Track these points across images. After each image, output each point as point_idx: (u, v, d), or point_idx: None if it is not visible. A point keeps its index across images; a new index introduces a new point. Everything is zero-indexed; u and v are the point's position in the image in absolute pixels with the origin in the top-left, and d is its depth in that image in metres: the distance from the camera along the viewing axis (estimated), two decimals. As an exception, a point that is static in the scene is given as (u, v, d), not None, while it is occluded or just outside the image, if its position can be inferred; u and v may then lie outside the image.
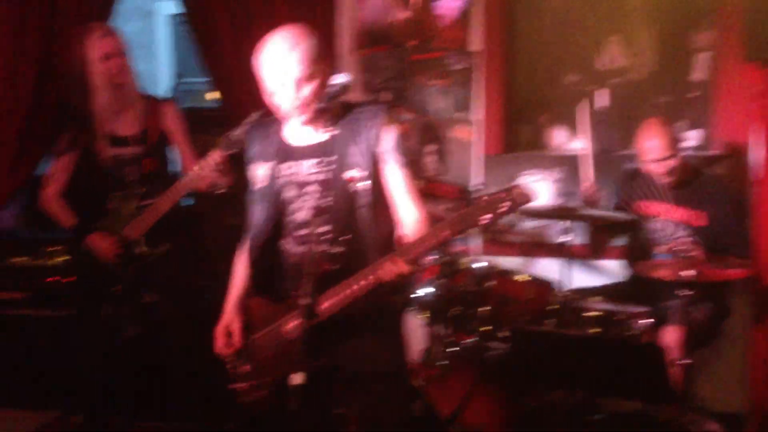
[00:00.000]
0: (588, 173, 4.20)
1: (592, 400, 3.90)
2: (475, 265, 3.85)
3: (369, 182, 2.73)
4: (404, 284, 2.68)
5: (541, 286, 3.86)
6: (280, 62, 2.68)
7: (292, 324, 2.77)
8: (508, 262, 4.36)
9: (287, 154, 2.85)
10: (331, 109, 2.71)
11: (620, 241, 4.39)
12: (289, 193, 2.82)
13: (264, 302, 2.92)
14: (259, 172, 2.89)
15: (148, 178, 4.00)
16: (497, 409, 3.81)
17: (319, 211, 2.68)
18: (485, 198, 2.45)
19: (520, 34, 4.85)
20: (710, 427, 3.85)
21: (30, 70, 4.43)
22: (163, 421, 4.41)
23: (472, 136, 4.73)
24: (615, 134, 4.76)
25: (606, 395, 3.86)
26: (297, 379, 2.41)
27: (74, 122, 3.97)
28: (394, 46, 4.77)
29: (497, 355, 3.99)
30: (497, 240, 4.74)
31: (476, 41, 4.68)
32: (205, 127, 4.02)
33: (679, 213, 4.10)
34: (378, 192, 2.76)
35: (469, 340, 4.04)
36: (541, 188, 4.62)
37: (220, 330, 2.97)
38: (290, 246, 2.83)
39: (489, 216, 2.44)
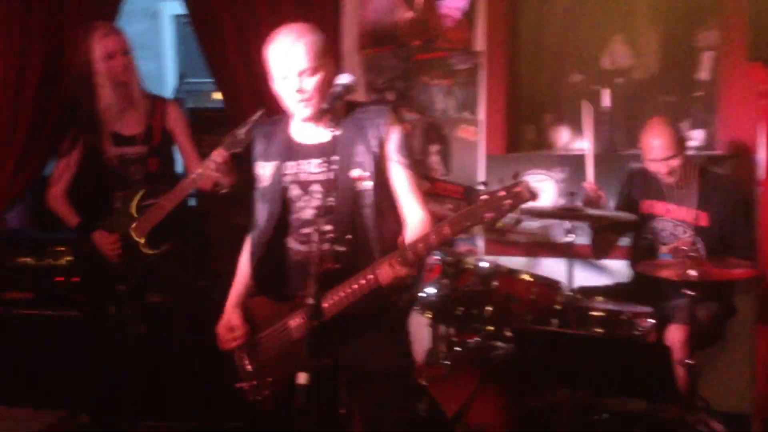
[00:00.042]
0: (590, 173, 4.20)
1: (596, 399, 3.91)
2: (479, 265, 3.85)
3: (372, 182, 2.74)
4: (407, 285, 2.67)
5: (546, 285, 3.86)
6: (286, 54, 2.71)
7: (296, 323, 2.78)
8: (512, 261, 4.36)
9: (292, 153, 2.86)
10: (335, 108, 2.72)
11: (624, 241, 4.39)
12: (294, 191, 2.84)
13: (267, 302, 2.93)
14: (264, 171, 2.90)
15: (152, 178, 4.01)
16: (502, 408, 3.81)
17: (322, 211, 2.69)
18: (488, 195, 2.45)
19: (524, 33, 4.85)
20: (715, 427, 3.85)
21: (36, 71, 4.45)
22: (168, 421, 4.42)
23: (476, 135, 4.73)
24: (619, 134, 4.76)
25: (610, 395, 3.86)
26: (302, 378, 2.41)
27: (79, 121, 3.98)
28: (398, 46, 4.78)
29: (502, 354, 3.99)
30: (501, 240, 4.74)
31: (480, 41, 4.67)
32: (210, 127, 4.03)
33: (683, 213, 4.10)
34: (382, 192, 2.77)
35: (473, 340, 4.05)
36: (545, 188, 4.62)
37: (222, 326, 2.98)
38: (294, 244, 2.84)
39: (492, 213, 2.44)
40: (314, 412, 2.64)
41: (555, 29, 4.84)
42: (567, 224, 3.92)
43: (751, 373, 4.24)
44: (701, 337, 3.83)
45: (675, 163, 3.98)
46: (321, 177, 2.78)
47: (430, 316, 3.94)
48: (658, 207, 4.16)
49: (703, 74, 4.62)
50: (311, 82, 2.71)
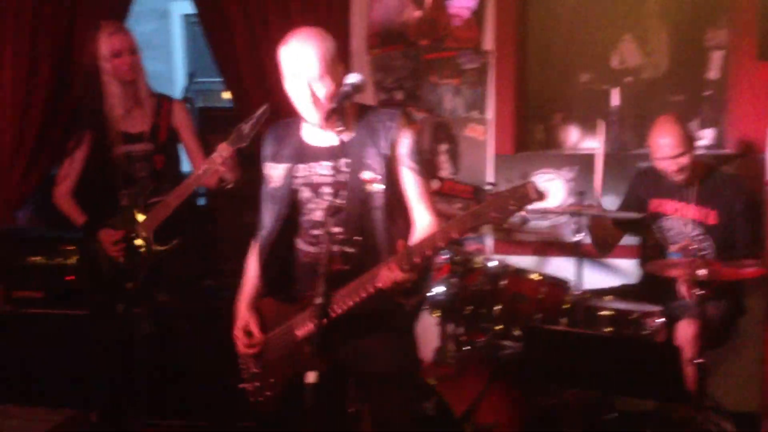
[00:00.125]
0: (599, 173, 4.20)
1: (605, 399, 3.91)
2: (488, 264, 3.85)
3: (383, 185, 2.75)
4: (407, 288, 2.67)
5: (555, 285, 3.86)
6: (297, 59, 2.71)
7: (302, 323, 2.79)
8: (521, 261, 4.36)
9: (304, 155, 2.86)
10: (344, 109, 2.72)
11: (632, 241, 4.38)
12: (304, 194, 2.84)
13: (274, 303, 2.93)
14: (274, 172, 2.91)
15: (158, 175, 4.03)
16: (510, 407, 3.81)
17: (331, 210, 2.69)
18: (495, 196, 2.45)
19: (532, 32, 4.84)
20: (725, 427, 3.84)
21: (46, 71, 4.48)
22: (177, 420, 4.43)
23: (485, 135, 4.73)
24: (628, 133, 4.76)
25: (620, 394, 3.86)
26: (311, 377, 2.42)
27: (86, 119, 4.00)
28: (407, 45, 4.78)
29: (510, 353, 3.99)
30: (510, 239, 4.74)
31: (489, 40, 4.67)
32: (220, 127, 4.04)
33: (692, 211, 4.09)
34: (392, 195, 2.77)
35: (482, 339, 4.05)
36: (554, 187, 4.61)
37: (239, 331, 2.98)
38: (303, 246, 2.85)
39: (498, 214, 2.44)
40: (323, 411, 2.64)
41: (564, 28, 4.84)
42: (575, 223, 3.91)
43: (761, 373, 4.23)
44: (711, 336, 3.82)
45: (684, 161, 3.97)
46: (332, 180, 2.78)
47: (438, 315, 3.94)
48: (667, 206, 4.15)
49: (713, 73, 4.62)
50: (322, 89, 2.72)
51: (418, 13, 4.74)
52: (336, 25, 4.48)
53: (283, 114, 3.02)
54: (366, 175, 2.74)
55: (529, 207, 2.43)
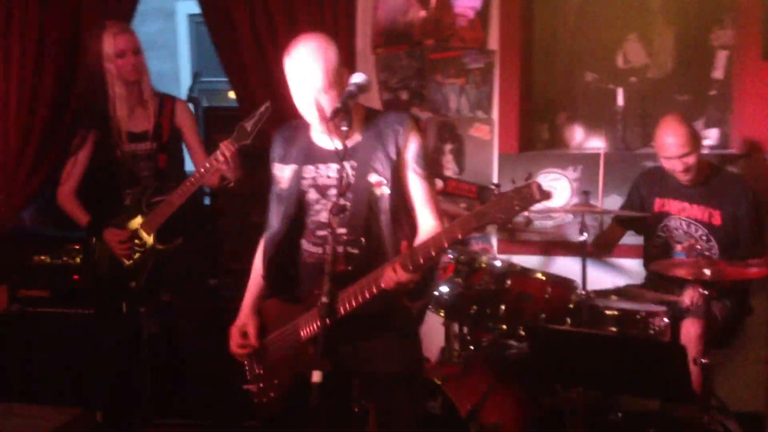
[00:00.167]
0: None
1: (610, 399, 3.90)
2: (493, 264, 3.85)
3: (388, 188, 2.75)
4: (418, 288, 2.67)
5: (560, 284, 3.86)
6: (302, 71, 2.72)
7: (306, 324, 2.79)
8: (526, 260, 4.36)
9: (312, 157, 2.87)
10: (348, 108, 2.72)
11: (637, 240, 4.38)
12: (311, 195, 2.85)
13: (278, 303, 2.94)
14: (283, 174, 2.91)
15: (161, 174, 4.05)
16: (515, 407, 3.81)
17: (335, 209, 2.70)
18: (500, 196, 2.45)
19: (537, 32, 4.85)
20: (730, 427, 3.84)
21: (52, 71, 4.49)
22: (182, 419, 4.44)
23: (490, 134, 4.73)
24: (633, 133, 4.75)
25: (624, 394, 3.86)
26: (316, 377, 2.42)
27: (90, 119, 4.01)
28: (412, 45, 4.78)
29: (515, 353, 4.00)
30: (515, 238, 4.74)
31: (494, 40, 4.67)
32: (225, 126, 4.05)
33: (697, 211, 4.09)
34: (398, 198, 2.78)
35: (487, 339, 4.05)
36: (559, 187, 4.61)
37: (234, 330, 2.99)
38: (308, 246, 2.85)
39: (502, 215, 2.44)
40: (328, 410, 2.65)
41: (569, 28, 4.84)
42: (580, 223, 3.91)
43: (766, 373, 4.24)
44: (716, 336, 3.81)
45: (690, 160, 3.96)
46: (338, 182, 2.78)
47: (443, 314, 3.94)
48: (672, 205, 4.15)
49: (718, 73, 4.61)
50: (327, 100, 2.72)
51: (423, 13, 4.74)
52: (341, 24, 4.48)
53: (289, 113, 3.02)
54: (373, 178, 2.75)
55: (534, 207, 2.43)
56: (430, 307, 3.88)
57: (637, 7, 4.73)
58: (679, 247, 4.12)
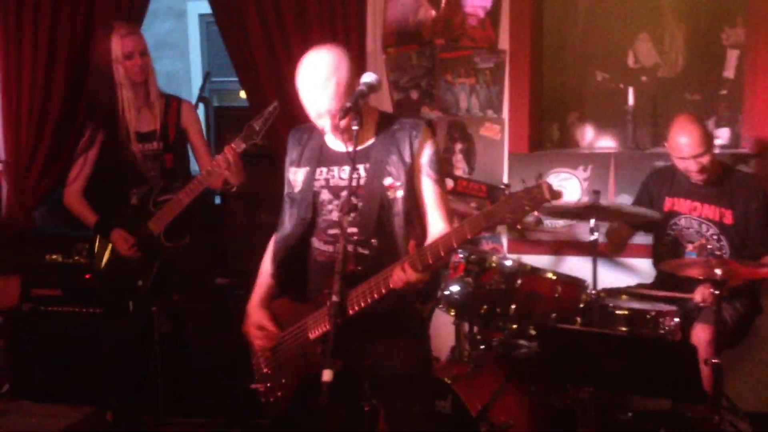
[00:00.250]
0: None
1: (621, 398, 3.90)
2: (503, 263, 3.85)
3: (403, 192, 2.76)
4: (424, 289, 2.68)
5: (570, 284, 3.86)
6: (318, 93, 2.73)
7: (316, 323, 2.80)
8: (536, 260, 4.36)
9: (325, 159, 2.89)
10: (359, 108, 2.72)
11: (648, 240, 4.37)
12: (324, 196, 2.86)
13: (288, 303, 2.95)
14: (297, 177, 2.93)
15: (168, 174, 4.06)
16: (526, 406, 3.81)
17: (349, 208, 2.71)
18: (510, 196, 2.46)
19: (548, 31, 4.84)
20: (741, 427, 3.83)
21: (63, 72, 4.52)
22: (192, 418, 4.46)
23: (500, 134, 4.73)
24: (644, 132, 4.75)
25: (635, 394, 3.85)
26: (326, 375, 2.42)
27: (98, 119, 4.03)
28: (422, 44, 4.78)
29: (526, 352, 4.00)
30: (525, 238, 4.74)
31: (504, 39, 4.67)
32: (236, 126, 4.06)
33: (709, 211, 4.08)
34: (411, 202, 2.80)
35: (497, 338, 4.05)
36: (569, 186, 4.61)
37: (251, 328, 2.99)
38: (319, 244, 2.86)
39: (512, 215, 2.44)
40: (338, 409, 2.65)
41: (579, 27, 4.83)
42: (591, 222, 3.91)
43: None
44: (727, 336, 3.81)
45: (705, 160, 3.95)
46: (352, 183, 2.79)
47: (454, 314, 3.94)
48: (683, 205, 4.14)
49: (729, 72, 4.60)
50: (340, 115, 2.72)
51: (433, 13, 4.74)
52: (351, 24, 4.49)
53: (299, 112, 3.03)
54: (387, 181, 2.77)
55: (547, 206, 2.43)
56: (440, 306, 3.89)
57: (648, 6, 4.72)
58: (690, 247, 4.11)
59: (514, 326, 3.83)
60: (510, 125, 4.70)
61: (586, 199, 4.44)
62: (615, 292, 4.06)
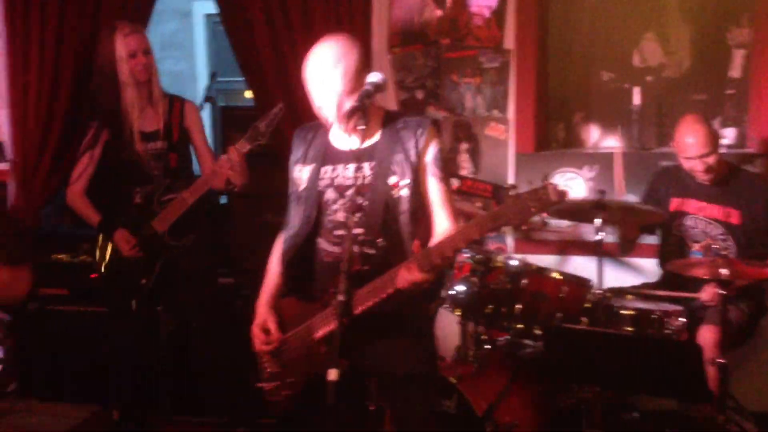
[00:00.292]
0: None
1: (626, 398, 3.90)
2: (509, 263, 3.86)
3: (408, 190, 2.76)
4: (427, 288, 2.68)
5: (576, 283, 3.85)
6: (324, 77, 2.75)
7: (323, 322, 2.80)
8: (541, 260, 4.35)
9: (330, 157, 2.89)
10: (365, 107, 2.73)
11: (654, 240, 4.37)
12: (330, 195, 2.86)
13: (295, 302, 2.95)
14: (302, 175, 2.93)
15: (172, 173, 4.07)
16: (531, 406, 3.81)
17: (352, 208, 2.71)
18: (516, 197, 2.46)
19: (553, 31, 4.84)
20: (746, 427, 3.83)
21: (70, 71, 4.53)
22: (198, 417, 4.46)
23: (506, 134, 4.73)
24: (650, 132, 4.74)
25: (641, 394, 3.85)
26: (332, 375, 2.43)
27: (101, 118, 4.04)
28: (428, 44, 4.78)
29: (531, 352, 3.99)
30: (531, 238, 4.74)
31: (510, 39, 4.67)
32: (242, 126, 4.07)
33: (715, 210, 4.07)
34: (417, 200, 2.80)
35: (503, 338, 4.05)
36: (575, 186, 4.61)
37: (256, 328, 2.99)
38: (325, 245, 2.86)
39: (520, 215, 2.44)
40: (344, 409, 2.65)
41: (585, 27, 4.83)
42: (596, 222, 3.91)
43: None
44: (733, 336, 3.81)
45: (711, 160, 3.95)
46: (357, 182, 2.80)
47: (459, 313, 3.94)
48: (689, 205, 4.14)
49: (735, 72, 4.59)
50: (348, 101, 2.74)
51: (438, 12, 4.75)
52: (357, 24, 4.49)
53: (305, 112, 3.04)
54: (392, 179, 2.77)
55: (552, 207, 2.43)
56: (446, 306, 3.89)
57: (654, 5, 4.72)
58: (696, 247, 4.11)
59: (520, 326, 3.82)
60: (516, 125, 4.70)
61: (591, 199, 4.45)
62: (620, 292, 4.06)
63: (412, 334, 2.85)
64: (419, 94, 4.83)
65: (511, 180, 4.61)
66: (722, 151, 4.21)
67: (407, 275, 2.57)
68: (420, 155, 2.79)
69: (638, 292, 4.08)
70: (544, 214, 3.12)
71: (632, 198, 4.42)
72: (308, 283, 2.90)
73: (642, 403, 3.97)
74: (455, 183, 4.71)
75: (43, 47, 4.51)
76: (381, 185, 2.77)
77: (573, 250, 4.66)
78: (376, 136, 2.83)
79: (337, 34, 2.86)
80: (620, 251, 4.37)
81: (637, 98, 4.74)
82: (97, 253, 4.13)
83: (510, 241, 4.77)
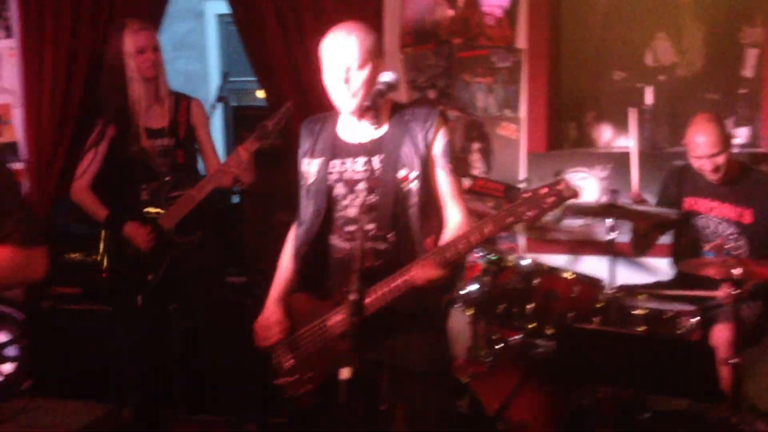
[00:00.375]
0: (634, 178, 4.19)
1: (639, 398, 3.89)
2: (520, 263, 3.85)
3: (417, 183, 2.76)
4: (441, 286, 2.68)
5: (588, 283, 3.85)
6: (336, 45, 2.75)
7: (336, 319, 2.81)
8: (553, 259, 4.35)
9: (339, 150, 2.88)
10: (378, 107, 2.74)
11: (667, 239, 4.36)
12: (339, 190, 2.86)
13: (307, 298, 2.95)
14: (311, 168, 2.93)
15: (180, 169, 4.08)
16: (543, 406, 3.81)
17: (366, 208, 2.72)
18: (530, 193, 2.46)
19: (566, 30, 4.83)
20: (759, 427, 3.82)
21: (84, 71, 4.55)
22: (210, 415, 4.47)
23: (517, 133, 4.73)
24: (663, 131, 4.73)
25: (653, 394, 3.84)
26: (345, 373, 2.43)
27: (108, 114, 4.05)
28: (440, 43, 4.78)
29: (543, 352, 3.99)
30: (543, 237, 4.73)
31: (522, 38, 4.67)
32: (254, 125, 4.09)
33: (727, 210, 4.06)
34: (426, 193, 2.79)
35: (515, 337, 4.05)
36: (587, 186, 4.60)
37: (259, 323, 3.00)
38: (337, 242, 2.87)
39: (534, 211, 2.44)
40: (357, 407, 2.66)
41: (597, 26, 4.82)
42: (609, 222, 3.90)
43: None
44: (746, 336, 3.80)
45: (719, 160, 3.95)
46: (366, 176, 2.80)
47: (471, 313, 3.94)
48: (701, 204, 4.13)
49: (748, 71, 4.58)
50: (359, 76, 2.74)
51: (450, 12, 4.75)
52: (369, 23, 4.47)
53: (316, 111, 3.05)
54: (402, 172, 2.76)
55: (566, 205, 2.43)
56: (458, 305, 3.89)
57: (666, 5, 4.70)
58: (707, 246, 4.10)
59: (532, 326, 3.82)
60: (528, 124, 4.70)
61: (604, 199, 4.44)
62: (632, 291, 4.05)
63: (425, 329, 2.85)
64: (431, 94, 4.83)
65: (522, 180, 4.61)
66: (735, 150, 4.20)
67: (424, 272, 2.57)
68: (429, 147, 2.78)
69: (651, 291, 4.08)
70: (558, 212, 3.11)
71: (648, 197, 4.41)
72: (321, 279, 2.91)
73: (654, 404, 3.96)
74: (467, 182, 4.71)
75: (57, 48, 4.54)
76: (390, 178, 2.76)
77: (585, 250, 4.65)
78: (384, 128, 2.83)
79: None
80: (635, 251, 4.36)
81: (649, 98, 4.73)
82: (101, 249, 4.14)
83: (522, 240, 4.77)
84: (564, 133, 4.91)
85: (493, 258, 3.87)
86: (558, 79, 4.82)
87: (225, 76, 5.63)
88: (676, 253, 4.25)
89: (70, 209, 4.97)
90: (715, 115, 4.06)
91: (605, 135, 4.87)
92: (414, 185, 2.76)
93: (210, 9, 7.75)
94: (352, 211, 2.82)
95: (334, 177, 2.86)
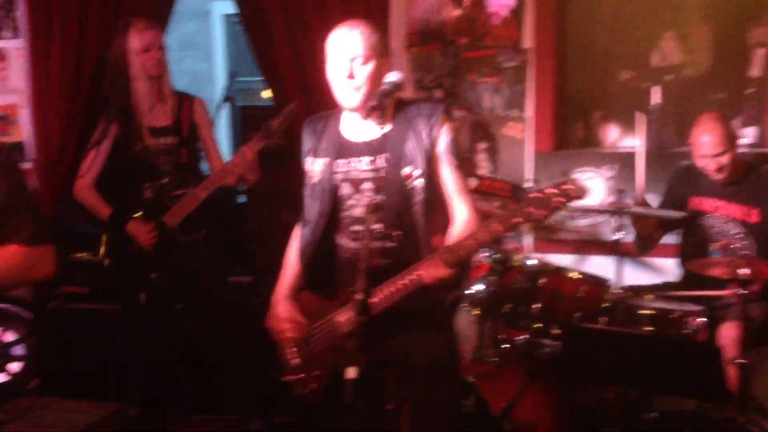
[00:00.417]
0: (641, 174, 4.19)
1: (645, 398, 3.89)
2: (527, 262, 3.85)
3: (423, 180, 2.76)
4: (450, 284, 2.68)
5: (594, 283, 3.85)
6: (341, 39, 2.76)
7: (343, 318, 2.81)
8: (560, 259, 4.35)
9: (344, 150, 2.88)
10: (384, 106, 2.74)
11: (674, 239, 4.35)
12: (345, 190, 2.85)
13: (314, 297, 2.95)
14: (314, 167, 2.93)
15: (183, 168, 4.08)
16: (549, 405, 3.81)
17: (372, 208, 2.71)
18: (537, 193, 2.45)
19: (572, 30, 4.82)
20: (766, 427, 3.80)
21: (91, 71, 4.55)
22: (216, 414, 4.48)
23: (524, 133, 4.73)
24: (669, 131, 4.72)
25: (660, 394, 3.84)
26: (351, 373, 2.43)
27: (112, 113, 4.05)
28: (446, 43, 4.79)
29: (549, 352, 3.99)
30: (549, 237, 4.73)
31: (528, 38, 4.67)
32: (260, 125, 4.10)
33: (734, 209, 4.06)
34: (432, 190, 2.79)
35: (521, 337, 4.05)
36: (594, 185, 4.60)
37: (274, 318, 2.99)
38: (344, 241, 2.87)
39: (542, 211, 2.44)
40: (363, 406, 2.66)
41: (604, 26, 4.81)
42: (615, 222, 3.90)
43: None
44: (753, 336, 3.78)
45: (724, 160, 3.94)
46: (372, 175, 2.80)
47: (477, 312, 3.95)
48: (706, 204, 4.12)
49: (755, 71, 4.57)
50: (363, 70, 2.74)
51: (457, 12, 4.75)
52: (375, 23, 4.48)
53: (321, 111, 3.05)
54: (407, 169, 2.76)
55: (573, 204, 2.43)
56: (464, 305, 3.89)
57: (673, 4, 4.70)
58: (714, 246, 4.09)
59: (538, 325, 3.83)
60: (534, 124, 4.70)
61: (611, 199, 4.44)
62: (639, 291, 4.05)
63: (433, 328, 2.85)
64: (437, 94, 4.83)
65: (528, 179, 4.61)
66: (742, 150, 4.19)
67: (432, 271, 2.57)
68: (433, 142, 2.77)
69: (657, 291, 4.07)
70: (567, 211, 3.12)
71: (651, 197, 4.40)
72: (328, 278, 2.91)
73: (661, 404, 3.95)
74: (473, 182, 4.71)
75: (64, 48, 4.55)
76: (397, 177, 2.76)
77: (591, 250, 4.65)
78: (388, 126, 2.82)
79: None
80: (638, 250, 4.36)
81: (656, 97, 4.72)
82: (101, 249, 4.14)
83: (528, 240, 4.77)
84: (570, 133, 4.90)
85: (499, 258, 3.87)
86: (564, 79, 4.81)
87: (231, 76, 5.65)
88: (683, 253, 4.24)
89: (77, 209, 4.99)
90: (720, 114, 4.05)
91: (612, 135, 4.87)
92: (419, 182, 2.75)
93: (216, 9, 7.75)
94: (357, 211, 2.82)
95: (339, 176, 2.86)
